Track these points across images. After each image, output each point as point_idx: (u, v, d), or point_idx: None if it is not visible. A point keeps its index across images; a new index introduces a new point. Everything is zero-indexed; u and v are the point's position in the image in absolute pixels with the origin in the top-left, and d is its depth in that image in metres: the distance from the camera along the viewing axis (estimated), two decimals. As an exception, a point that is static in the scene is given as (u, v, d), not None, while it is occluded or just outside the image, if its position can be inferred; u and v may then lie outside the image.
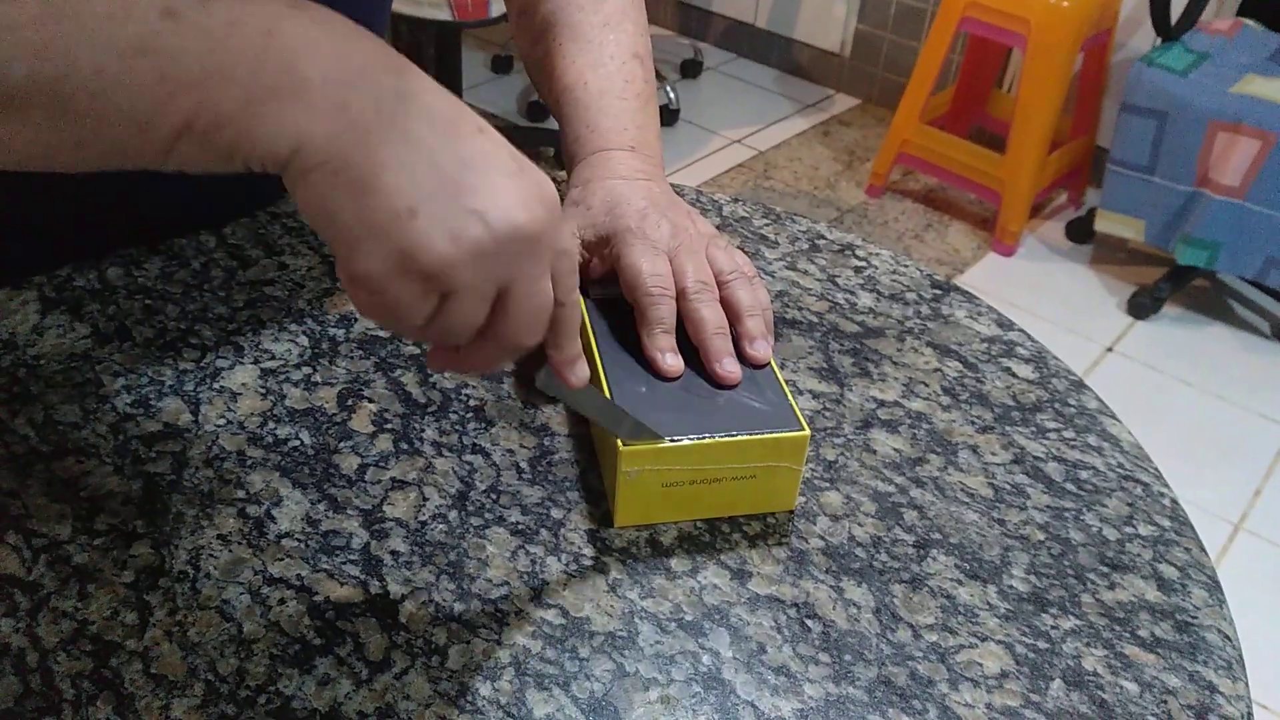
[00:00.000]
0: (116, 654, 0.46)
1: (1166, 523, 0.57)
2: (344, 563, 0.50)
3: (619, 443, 0.50)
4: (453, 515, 0.53)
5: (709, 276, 0.58)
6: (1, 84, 0.33)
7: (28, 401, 0.57)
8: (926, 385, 0.65)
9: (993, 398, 0.65)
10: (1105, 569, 0.54)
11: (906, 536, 0.55)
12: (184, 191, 0.69)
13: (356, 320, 0.65)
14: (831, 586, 0.52)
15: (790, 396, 0.55)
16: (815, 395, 0.63)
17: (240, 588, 0.49)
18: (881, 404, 0.63)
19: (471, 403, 0.60)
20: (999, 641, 0.50)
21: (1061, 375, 0.67)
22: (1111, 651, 0.50)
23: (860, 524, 0.55)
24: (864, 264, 0.75)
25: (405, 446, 0.57)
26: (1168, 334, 2.28)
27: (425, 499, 0.54)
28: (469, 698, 0.45)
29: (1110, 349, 2.23)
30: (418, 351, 0.63)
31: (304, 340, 0.63)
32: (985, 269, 2.44)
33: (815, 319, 0.69)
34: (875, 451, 0.60)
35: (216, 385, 0.59)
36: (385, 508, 0.53)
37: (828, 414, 0.62)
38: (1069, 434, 0.62)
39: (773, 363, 0.57)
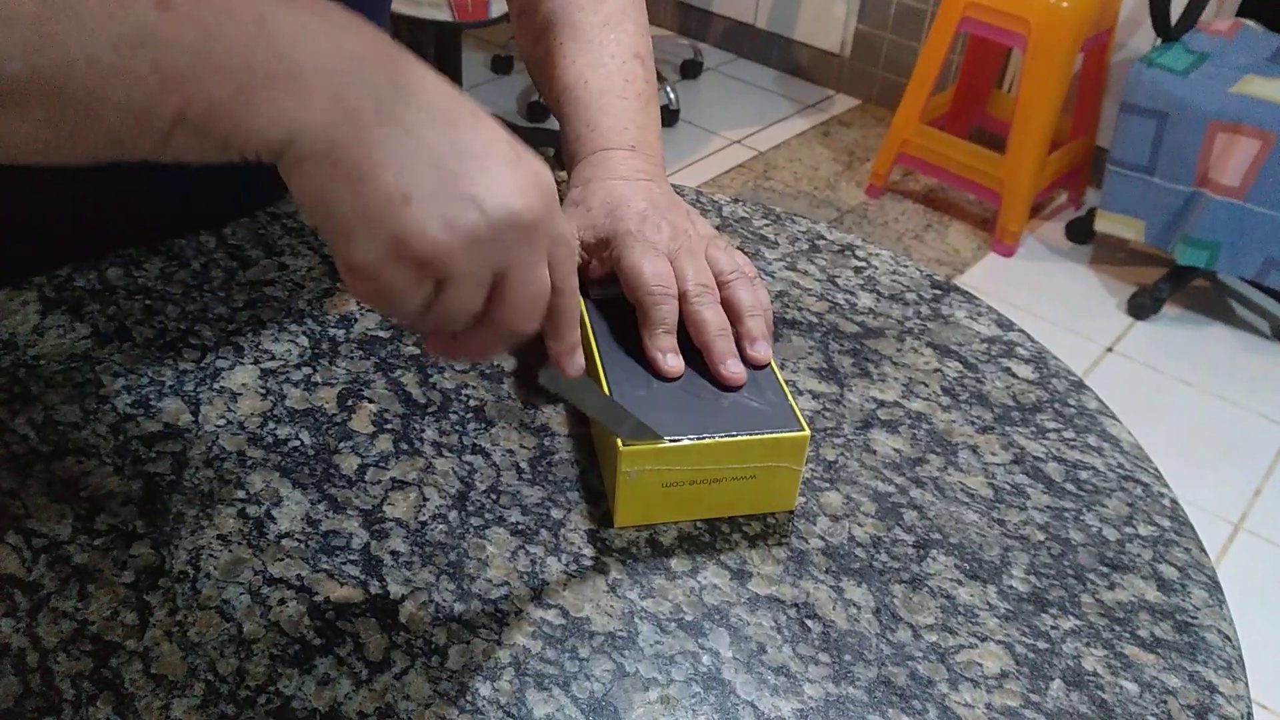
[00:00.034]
0: (116, 654, 0.46)
1: (1166, 523, 0.57)
2: (344, 563, 0.50)
3: (619, 443, 0.50)
4: (453, 515, 0.53)
5: (709, 278, 0.58)
6: None
7: (28, 401, 0.57)
8: (926, 385, 0.65)
9: (993, 398, 0.65)
10: (1105, 569, 0.54)
11: (906, 537, 0.55)
12: (184, 191, 0.69)
13: (356, 320, 0.65)
14: (831, 587, 0.52)
15: (790, 397, 0.55)
16: (815, 395, 0.63)
17: (240, 588, 0.49)
18: (881, 404, 0.63)
19: (471, 403, 0.60)
20: (999, 642, 0.50)
21: (1061, 375, 0.67)
22: (1111, 651, 0.50)
23: (860, 524, 0.55)
24: (864, 264, 0.75)
25: (405, 447, 0.57)
26: (1168, 334, 2.28)
27: (425, 499, 0.54)
28: (469, 698, 0.45)
29: (1110, 349, 2.23)
30: (418, 352, 0.63)
31: (304, 340, 0.63)
32: (985, 269, 2.44)
33: (815, 319, 0.70)
34: (875, 452, 0.60)
35: (216, 385, 0.59)
36: (385, 508, 0.53)
37: (828, 414, 0.62)
38: (1069, 434, 0.62)
39: (773, 363, 0.57)
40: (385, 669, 0.46)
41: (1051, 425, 0.63)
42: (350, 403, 0.59)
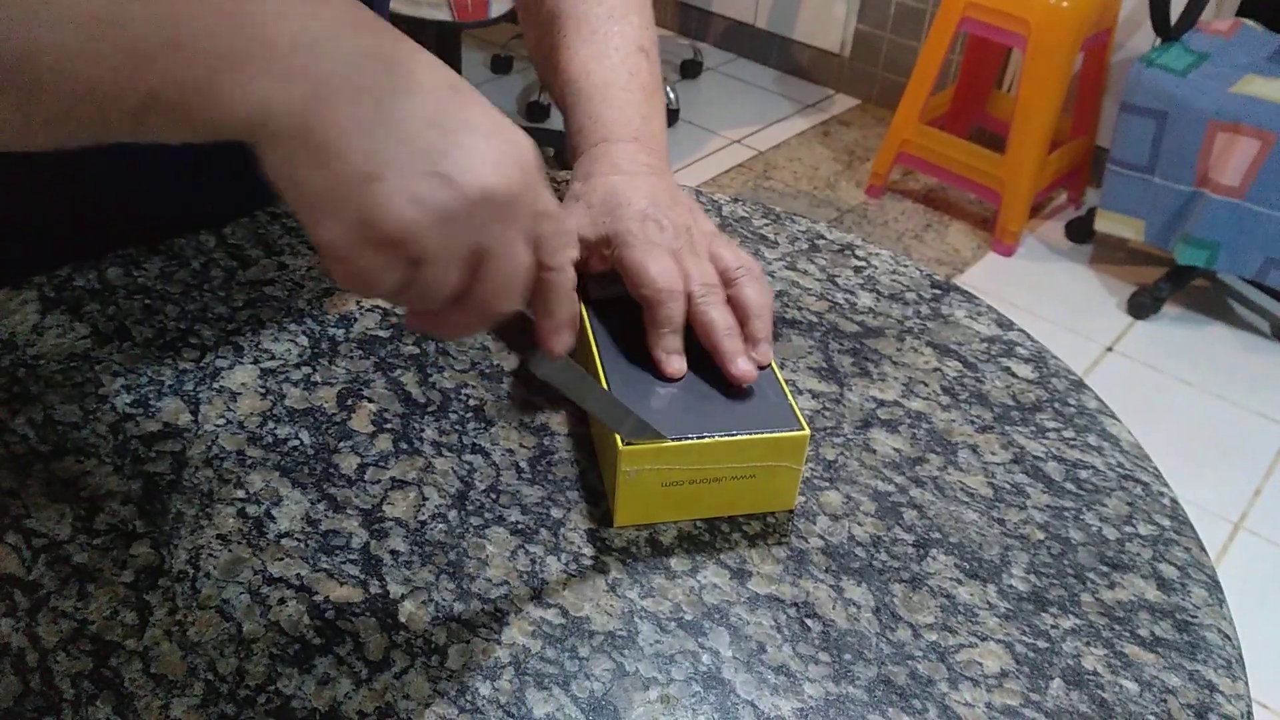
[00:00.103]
0: (116, 654, 0.46)
1: (1166, 522, 0.57)
2: (344, 562, 0.50)
3: (619, 442, 0.50)
4: (452, 515, 0.53)
5: (714, 277, 0.57)
6: None
7: (28, 401, 0.57)
8: (926, 385, 0.65)
9: (992, 397, 0.65)
10: (1105, 568, 0.54)
11: (906, 536, 0.55)
12: (184, 191, 0.69)
13: (356, 320, 0.65)
14: (831, 586, 0.52)
15: (790, 396, 0.55)
16: (815, 395, 0.63)
17: (240, 587, 0.49)
18: (881, 404, 0.63)
19: (471, 402, 0.60)
20: (999, 641, 0.50)
21: (1061, 375, 0.67)
22: (1111, 651, 0.50)
23: (860, 523, 0.55)
24: (864, 264, 0.75)
25: (405, 446, 0.57)
26: (1167, 334, 2.28)
27: (425, 499, 0.54)
28: (469, 697, 0.45)
29: (1110, 349, 2.23)
30: (417, 351, 0.63)
31: (304, 340, 0.63)
32: (985, 269, 2.44)
33: (815, 319, 0.69)
34: (875, 451, 0.60)
35: (216, 385, 0.59)
36: (385, 507, 0.53)
37: (827, 414, 0.62)
38: (1069, 433, 0.62)
39: (773, 362, 0.57)
40: (385, 668, 0.46)
41: (1051, 425, 0.63)
42: (350, 402, 0.59)
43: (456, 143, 0.37)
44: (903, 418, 0.62)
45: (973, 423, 0.62)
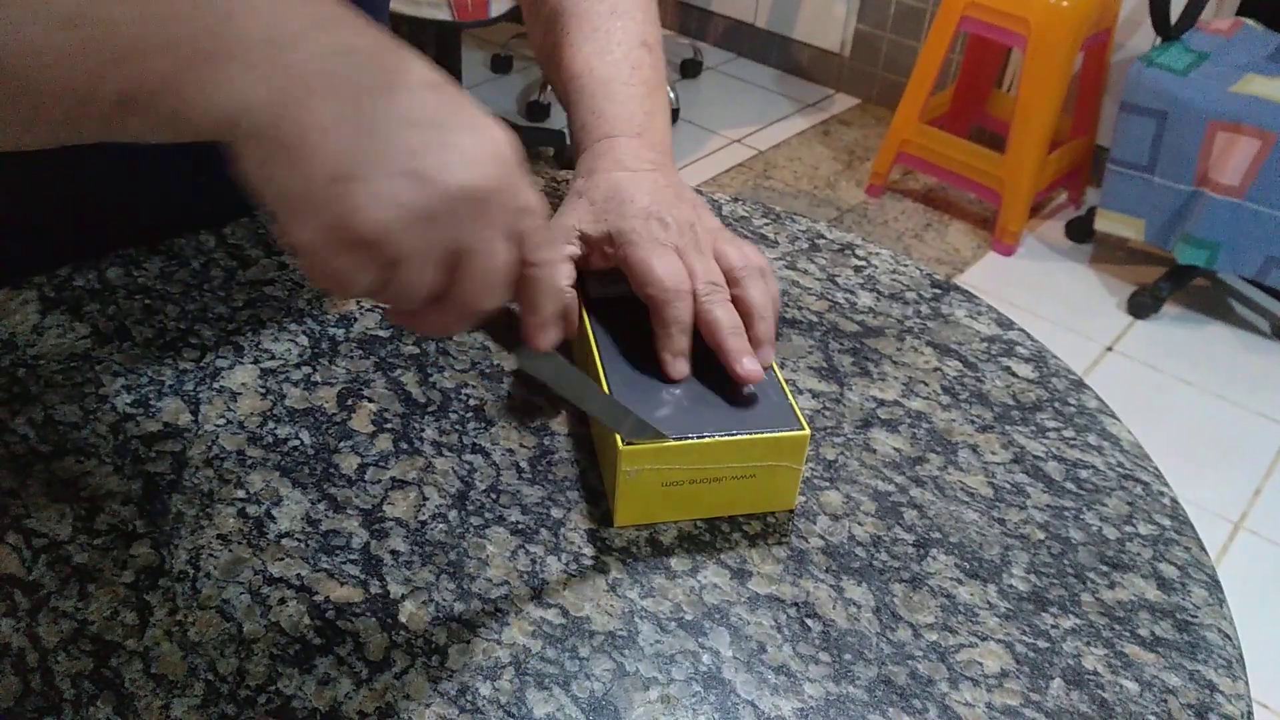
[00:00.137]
0: (116, 654, 0.46)
1: (1166, 522, 0.57)
2: (344, 562, 0.50)
3: (619, 442, 0.50)
4: (453, 515, 0.53)
5: (718, 275, 0.57)
6: None
7: (28, 401, 0.57)
8: (926, 384, 0.65)
9: (992, 397, 0.65)
10: (1105, 568, 0.54)
11: (906, 536, 0.55)
12: (184, 191, 0.69)
13: (356, 320, 0.65)
14: (831, 586, 0.52)
15: (790, 396, 0.55)
16: (815, 395, 0.63)
17: (240, 587, 0.49)
18: (881, 403, 0.63)
19: (471, 402, 0.60)
20: (999, 641, 0.50)
21: (1061, 374, 0.67)
22: (1111, 650, 0.50)
23: (860, 523, 0.55)
24: (864, 263, 0.75)
25: (405, 446, 0.57)
26: (1168, 333, 2.28)
27: (425, 499, 0.54)
28: (469, 697, 0.45)
29: (1110, 348, 2.23)
30: (418, 351, 0.63)
31: (304, 340, 0.63)
32: (985, 268, 2.44)
33: (815, 318, 0.69)
34: (875, 451, 0.60)
35: (216, 385, 0.59)
36: (385, 507, 0.53)
37: (827, 413, 0.62)
38: (1069, 433, 0.62)
39: (774, 363, 0.57)
40: (385, 668, 0.46)
41: (1051, 424, 0.63)
42: (350, 402, 0.59)
43: (434, 141, 0.36)
44: (903, 417, 0.62)
45: (973, 422, 0.62)
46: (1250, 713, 0.48)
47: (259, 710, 0.44)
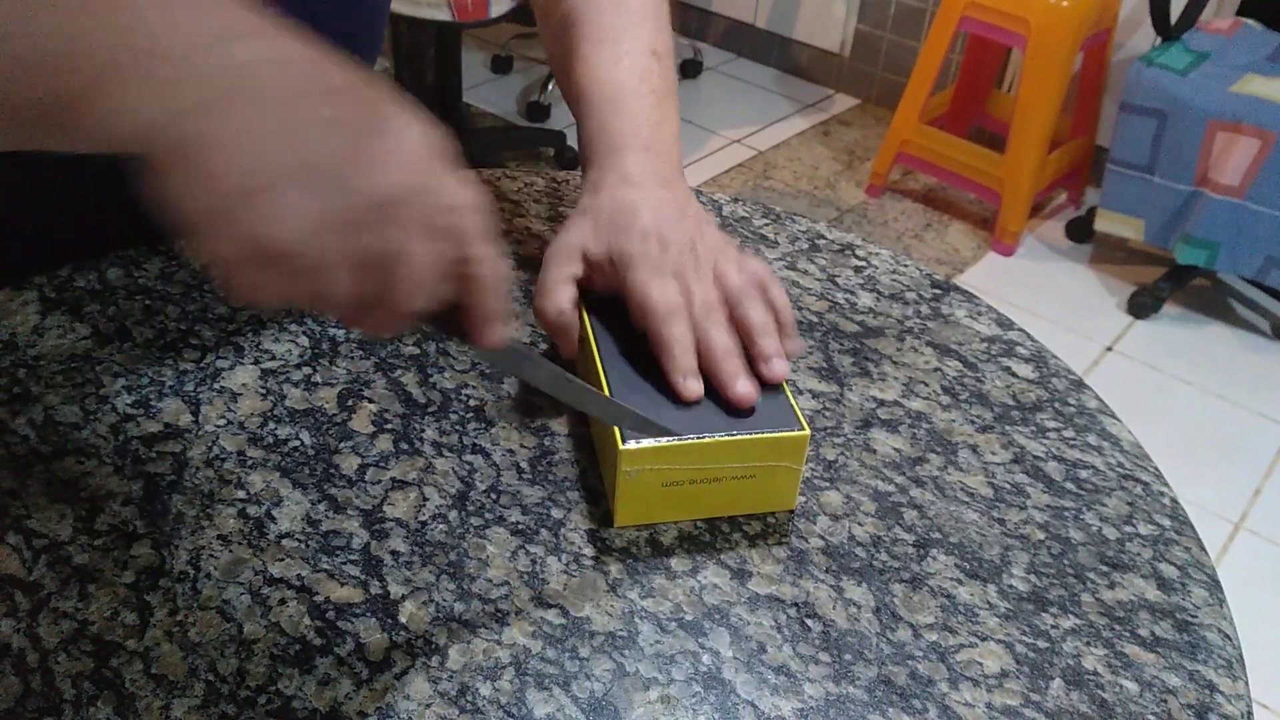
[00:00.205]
0: (117, 654, 0.46)
1: (1166, 522, 0.57)
2: (344, 563, 0.50)
3: (619, 442, 0.50)
4: (453, 515, 0.53)
5: (715, 297, 0.56)
6: None
7: (28, 402, 0.57)
8: (926, 385, 0.65)
9: (992, 397, 0.65)
10: (1105, 568, 0.54)
11: (906, 536, 0.55)
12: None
13: (356, 320, 0.65)
14: (831, 586, 0.52)
15: (790, 396, 0.55)
16: (815, 395, 0.63)
17: (240, 588, 0.49)
18: (881, 403, 0.63)
19: (471, 403, 0.60)
20: (999, 641, 0.50)
21: (1061, 375, 0.67)
22: (1111, 651, 0.50)
23: (860, 523, 0.55)
24: (864, 264, 0.76)
25: (405, 447, 0.57)
26: (1167, 333, 2.28)
27: (425, 499, 0.54)
28: (469, 698, 0.45)
29: (1110, 348, 2.23)
30: (418, 352, 0.63)
31: (304, 340, 0.63)
32: (985, 268, 2.44)
33: (815, 319, 0.70)
34: (875, 451, 0.60)
35: (216, 385, 0.59)
36: (385, 508, 0.53)
37: (828, 413, 0.62)
38: (1069, 433, 0.62)
39: (787, 372, 0.56)
40: (385, 669, 0.46)
41: (1051, 424, 0.63)
42: (350, 403, 0.59)
43: (346, 145, 0.35)
44: (903, 418, 0.62)
45: (973, 423, 0.62)
46: (1250, 713, 0.48)
47: (259, 711, 0.44)
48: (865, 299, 0.72)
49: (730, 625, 0.49)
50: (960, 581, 0.53)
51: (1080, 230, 2.52)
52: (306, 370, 0.61)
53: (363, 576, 0.50)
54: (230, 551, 0.51)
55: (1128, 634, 0.51)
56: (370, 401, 0.59)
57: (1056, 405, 0.64)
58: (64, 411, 0.57)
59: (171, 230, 0.35)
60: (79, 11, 0.34)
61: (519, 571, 0.51)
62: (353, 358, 0.62)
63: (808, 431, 0.53)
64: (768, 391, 0.55)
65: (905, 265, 0.76)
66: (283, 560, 0.50)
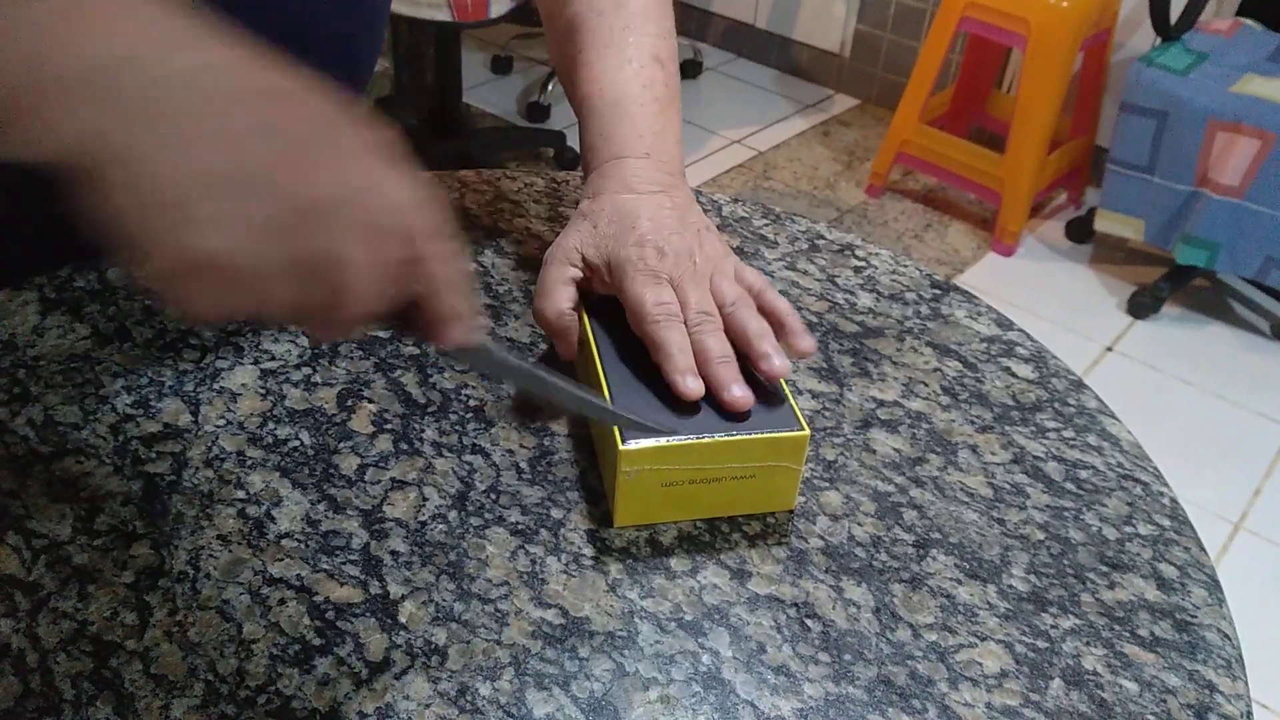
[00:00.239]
0: (116, 654, 0.46)
1: (1166, 522, 0.57)
2: (344, 563, 0.50)
3: (619, 443, 0.50)
4: (452, 515, 0.53)
5: (711, 304, 0.56)
6: None
7: (28, 402, 0.57)
8: (926, 385, 0.65)
9: (992, 397, 0.65)
10: (1105, 568, 0.54)
11: (906, 536, 0.55)
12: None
13: (356, 320, 0.65)
14: (831, 586, 0.52)
15: (790, 396, 0.55)
16: (815, 395, 0.63)
17: (240, 588, 0.49)
18: (881, 404, 0.63)
19: (471, 403, 0.60)
20: (999, 641, 0.50)
21: (1061, 375, 0.67)
22: (1111, 651, 0.50)
23: (860, 524, 0.55)
24: (863, 264, 0.76)
25: (405, 447, 0.57)
26: (1167, 333, 2.28)
27: (425, 499, 0.54)
28: (469, 698, 0.45)
29: (1110, 348, 2.23)
30: (418, 352, 0.63)
31: (303, 340, 0.63)
32: (985, 269, 2.44)
33: (815, 319, 0.70)
34: (875, 451, 0.60)
35: (216, 386, 0.59)
36: (385, 508, 0.53)
37: (827, 414, 0.62)
38: (1069, 433, 0.62)
39: (786, 373, 0.56)
40: (385, 669, 0.46)
41: (1051, 425, 0.63)
42: (350, 403, 0.59)
43: (284, 149, 0.35)
44: (902, 418, 0.62)
45: (973, 423, 0.62)
46: (1250, 713, 0.48)
47: (259, 711, 0.44)
48: (865, 299, 0.72)
49: (730, 625, 0.49)
50: (960, 582, 0.53)
51: (1080, 230, 2.52)
52: (306, 370, 0.61)
53: (362, 576, 0.50)
54: (230, 551, 0.51)
55: (1127, 634, 0.51)
56: (370, 402, 0.59)
57: (1056, 405, 0.64)
58: (64, 411, 0.57)
59: (107, 246, 0.34)
60: (14, 27, 0.33)
61: (519, 571, 0.51)
62: (352, 358, 0.62)
63: (807, 432, 0.53)
64: (767, 392, 0.55)
65: (905, 265, 0.76)
66: (282, 560, 0.50)
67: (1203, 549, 0.56)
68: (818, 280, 0.73)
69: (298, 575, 0.50)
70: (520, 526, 0.53)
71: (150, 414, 0.57)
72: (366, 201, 0.36)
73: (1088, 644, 0.50)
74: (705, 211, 0.79)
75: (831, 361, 0.66)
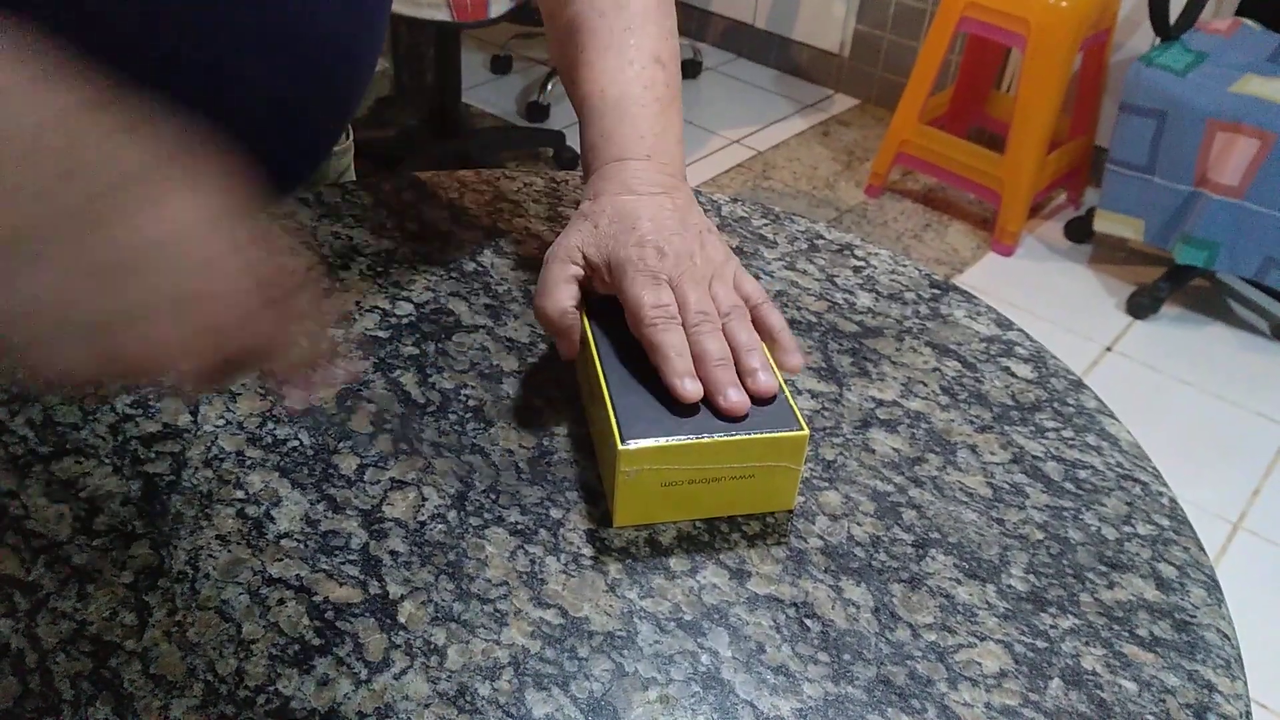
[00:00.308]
0: (116, 654, 0.46)
1: (1165, 522, 0.57)
2: (343, 563, 0.50)
3: (618, 443, 0.50)
4: (452, 515, 0.53)
5: (710, 305, 0.56)
6: None
7: (27, 402, 0.57)
8: (925, 385, 0.65)
9: (991, 397, 0.65)
10: (1104, 568, 0.54)
11: (905, 536, 0.55)
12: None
13: (355, 321, 0.65)
14: (830, 586, 0.52)
15: (789, 396, 0.55)
16: (814, 395, 0.63)
17: (239, 588, 0.49)
18: (880, 404, 0.63)
19: (470, 403, 0.60)
20: (998, 641, 0.50)
21: (1060, 375, 0.67)
22: (1110, 651, 0.50)
23: (859, 523, 0.55)
24: (863, 264, 0.76)
25: (404, 447, 0.57)
26: (1167, 333, 2.28)
27: (424, 499, 0.54)
28: (468, 698, 0.45)
29: (1109, 349, 2.23)
30: (417, 352, 0.63)
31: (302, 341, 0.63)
32: (984, 269, 2.44)
33: (814, 319, 0.70)
34: (874, 451, 0.60)
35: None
36: (384, 508, 0.53)
37: (826, 414, 0.62)
38: (1068, 433, 0.62)
39: (772, 363, 0.56)
40: (384, 669, 0.46)
41: (1050, 424, 0.63)
42: (349, 403, 0.59)
43: (80, 207, 0.34)
44: (902, 418, 0.62)
45: (972, 423, 0.62)
46: (1249, 713, 0.48)
47: (258, 711, 0.44)
48: (864, 299, 0.72)
49: (729, 625, 0.49)
50: (959, 581, 0.53)
51: (1080, 230, 2.52)
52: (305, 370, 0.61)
53: (361, 576, 0.50)
54: (229, 551, 0.51)
55: (1126, 634, 0.51)
56: (369, 402, 0.59)
57: (1055, 405, 0.64)
58: (63, 412, 0.57)
59: None
60: None
61: (518, 572, 0.51)
62: (351, 358, 0.62)
63: (806, 431, 0.53)
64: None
65: (904, 265, 0.76)
66: (281, 560, 0.50)
67: (1202, 549, 0.56)
68: (817, 280, 0.73)
69: (297, 575, 0.50)
70: (519, 526, 0.53)
71: (149, 414, 0.57)
72: (173, 263, 0.35)
73: (1087, 644, 0.50)
74: (705, 211, 0.79)
75: (831, 361, 0.66)
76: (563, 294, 0.58)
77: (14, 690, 0.44)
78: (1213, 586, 0.54)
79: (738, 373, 0.54)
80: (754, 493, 0.54)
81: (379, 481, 0.55)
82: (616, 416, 0.52)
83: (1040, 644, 0.50)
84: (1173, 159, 2.15)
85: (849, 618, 0.50)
